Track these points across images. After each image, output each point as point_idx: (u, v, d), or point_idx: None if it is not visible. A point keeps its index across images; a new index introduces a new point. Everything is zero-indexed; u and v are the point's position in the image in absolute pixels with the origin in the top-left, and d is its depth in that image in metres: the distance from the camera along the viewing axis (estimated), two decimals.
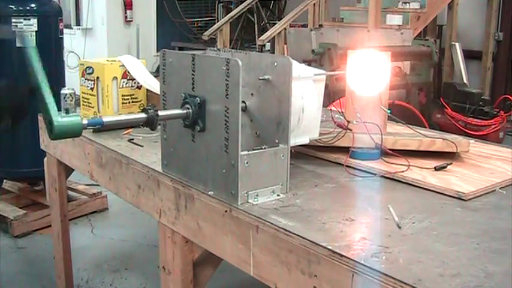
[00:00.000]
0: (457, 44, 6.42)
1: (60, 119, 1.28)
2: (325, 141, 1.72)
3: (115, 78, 2.25)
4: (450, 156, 1.70)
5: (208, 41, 6.91)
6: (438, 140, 1.74)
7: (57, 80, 3.78)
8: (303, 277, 1.19)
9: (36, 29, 3.55)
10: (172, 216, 1.61)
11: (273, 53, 5.87)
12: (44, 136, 2.47)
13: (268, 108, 1.47)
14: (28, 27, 3.52)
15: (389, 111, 1.78)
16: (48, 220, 3.07)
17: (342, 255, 1.11)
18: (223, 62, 1.36)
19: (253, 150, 1.41)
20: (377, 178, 1.59)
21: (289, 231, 1.23)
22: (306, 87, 1.56)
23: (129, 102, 2.29)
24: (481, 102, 5.52)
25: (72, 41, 7.37)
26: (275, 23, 6.47)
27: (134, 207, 1.86)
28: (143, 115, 1.40)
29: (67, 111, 1.32)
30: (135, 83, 2.30)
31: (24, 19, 3.52)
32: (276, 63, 1.44)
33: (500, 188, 1.53)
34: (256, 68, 1.49)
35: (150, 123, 1.41)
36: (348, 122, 1.74)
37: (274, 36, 5.80)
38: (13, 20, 3.51)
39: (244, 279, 1.64)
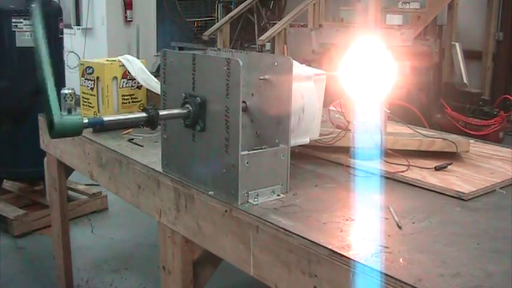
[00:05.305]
0: (457, 44, 6.40)
1: (60, 117, 1.28)
2: (325, 141, 1.72)
3: (115, 78, 2.25)
4: (450, 156, 1.70)
5: (208, 41, 6.90)
6: (438, 140, 1.74)
7: (57, 80, 3.78)
8: (303, 277, 1.19)
9: None
10: (172, 216, 1.61)
11: (273, 53, 5.86)
12: (44, 136, 2.47)
13: (269, 108, 1.47)
14: (28, 27, 3.52)
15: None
16: (48, 220, 3.07)
17: (342, 255, 1.11)
18: (224, 62, 1.36)
19: (254, 150, 1.41)
20: (377, 178, 1.59)
21: (289, 231, 1.23)
22: (306, 87, 1.56)
23: (129, 102, 2.29)
24: (481, 102, 5.51)
25: (72, 41, 7.36)
26: (275, 23, 6.46)
27: (134, 207, 1.85)
28: (144, 114, 1.40)
29: (69, 111, 1.32)
30: (135, 83, 2.30)
31: (24, 19, 3.52)
32: (276, 63, 1.44)
33: (500, 188, 1.53)
34: (256, 68, 1.49)
35: (151, 122, 1.41)
36: (348, 122, 1.74)
37: (274, 36, 5.78)
38: (13, 20, 3.51)
39: (244, 279, 1.64)
